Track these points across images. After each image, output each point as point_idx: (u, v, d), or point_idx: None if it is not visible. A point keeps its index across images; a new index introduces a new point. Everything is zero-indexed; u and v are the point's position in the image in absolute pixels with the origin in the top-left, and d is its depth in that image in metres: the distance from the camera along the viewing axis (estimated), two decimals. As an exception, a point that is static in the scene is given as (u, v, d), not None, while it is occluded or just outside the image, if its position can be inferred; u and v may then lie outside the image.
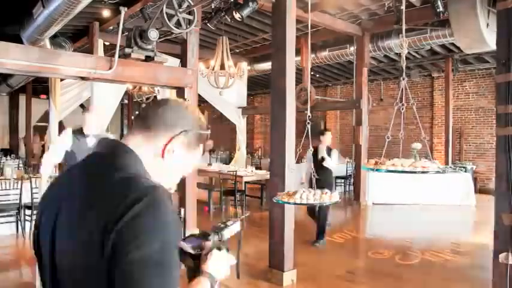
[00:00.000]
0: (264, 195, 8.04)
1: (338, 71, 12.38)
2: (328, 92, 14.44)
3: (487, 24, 5.30)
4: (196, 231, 1.10)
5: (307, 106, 3.68)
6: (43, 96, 13.16)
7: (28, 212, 5.87)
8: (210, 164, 9.18)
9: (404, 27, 3.68)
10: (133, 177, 0.90)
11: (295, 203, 3.14)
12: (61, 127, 11.59)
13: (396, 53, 9.12)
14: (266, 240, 4.39)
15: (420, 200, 8.33)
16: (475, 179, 9.60)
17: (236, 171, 7.67)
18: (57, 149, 3.65)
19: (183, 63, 5.93)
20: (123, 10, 5.15)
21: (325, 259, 5.13)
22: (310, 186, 3.60)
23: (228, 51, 7.43)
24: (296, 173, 4.61)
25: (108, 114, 9.03)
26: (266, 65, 10.72)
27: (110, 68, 4.94)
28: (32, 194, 5.80)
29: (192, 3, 4.76)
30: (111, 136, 4.34)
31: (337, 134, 14.05)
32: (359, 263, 4.92)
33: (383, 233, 6.71)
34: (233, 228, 1.16)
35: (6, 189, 5.96)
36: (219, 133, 16.82)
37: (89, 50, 7.79)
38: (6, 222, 5.86)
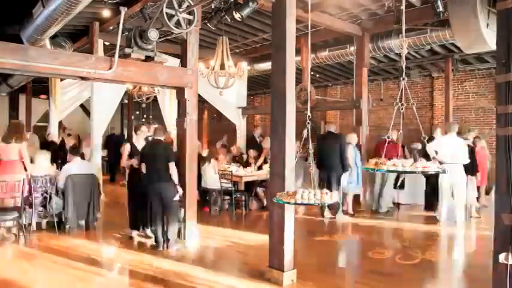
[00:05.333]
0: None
1: (338, 71, 12.37)
2: (328, 92, 14.44)
3: (487, 24, 5.29)
4: None
5: (307, 106, 3.67)
6: (43, 96, 13.15)
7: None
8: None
9: (404, 27, 3.69)
10: None
11: (295, 203, 3.14)
12: (60, 125, 11.63)
13: (396, 53, 9.11)
14: (266, 240, 4.39)
15: (420, 200, 8.31)
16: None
17: (236, 171, 7.69)
18: None
19: (183, 63, 5.94)
20: (123, 10, 5.16)
21: (325, 259, 5.13)
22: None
23: (228, 51, 7.42)
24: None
25: (108, 114, 9.02)
26: (266, 65, 10.71)
27: (110, 68, 4.94)
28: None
29: (192, 3, 4.76)
30: None
31: (337, 134, 14.03)
32: (359, 263, 4.92)
33: (383, 233, 6.71)
34: None
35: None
36: (218, 133, 16.82)
37: (89, 50, 7.77)
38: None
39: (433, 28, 7.63)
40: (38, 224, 6.18)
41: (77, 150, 6.77)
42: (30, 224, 5.87)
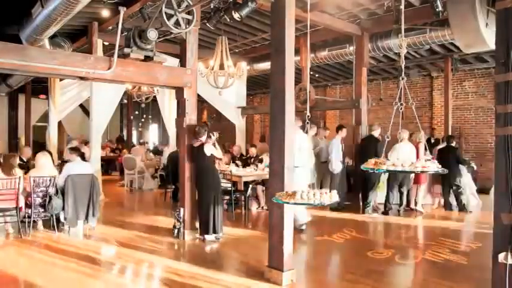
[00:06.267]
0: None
1: (337, 70, 12.37)
2: (328, 92, 14.44)
3: (486, 24, 5.30)
4: None
5: (306, 106, 3.67)
6: (42, 96, 13.14)
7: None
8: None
9: (403, 26, 3.69)
10: None
11: (295, 203, 3.13)
12: (60, 128, 11.62)
13: (395, 53, 9.10)
14: (266, 240, 4.39)
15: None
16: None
17: (236, 170, 7.67)
18: None
19: (182, 63, 5.94)
20: (122, 10, 5.16)
21: (325, 259, 5.13)
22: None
23: (228, 51, 7.41)
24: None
25: (107, 114, 9.03)
26: (265, 65, 10.71)
27: (109, 68, 4.94)
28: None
29: (191, 3, 4.75)
30: None
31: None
32: (359, 263, 4.92)
33: (383, 233, 6.71)
34: None
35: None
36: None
37: (88, 50, 7.77)
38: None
39: (433, 28, 7.63)
40: (38, 224, 6.18)
41: (76, 149, 6.75)
42: (29, 224, 5.87)
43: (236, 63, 7.49)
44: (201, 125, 6.06)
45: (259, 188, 8.07)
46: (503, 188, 2.83)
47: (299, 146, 5.71)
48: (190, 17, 4.84)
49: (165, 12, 4.56)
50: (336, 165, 7.82)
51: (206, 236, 5.71)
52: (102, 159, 10.26)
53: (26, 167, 7.37)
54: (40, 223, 6.21)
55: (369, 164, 2.92)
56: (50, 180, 5.98)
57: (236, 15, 5.39)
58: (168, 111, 10.92)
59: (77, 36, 8.34)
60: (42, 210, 5.96)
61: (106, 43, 8.14)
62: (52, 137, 10.35)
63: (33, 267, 4.68)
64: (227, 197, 7.68)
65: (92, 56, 5.26)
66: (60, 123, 11.51)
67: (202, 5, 5.77)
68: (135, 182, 10.99)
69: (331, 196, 3.10)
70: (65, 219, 6.01)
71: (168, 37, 5.37)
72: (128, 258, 5.02)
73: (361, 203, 7.97)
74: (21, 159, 8.02)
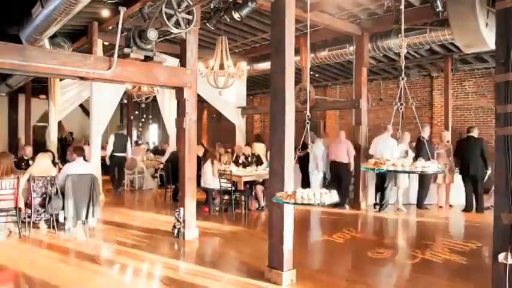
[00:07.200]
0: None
1: (337, 70, 12.36)
2: (328, 92, 14.43)
3: (486, 24, 5.30)
4: None
5: (306, 106, 3.67)
6: (42, 96, 13.13)
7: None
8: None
9: (403, 26, 3.69)
10: None
11: (294, 203, 3.13)
12: (60, 128, 11.63)
13: (395, 53, 9.10)
14: (266, 240, 4.39)
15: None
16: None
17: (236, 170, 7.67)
18: None
19: (182, 63, 5.94)
20: (122, 10, 5.16)
21: (325, 259, 5.13)
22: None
23: (228, 51, 7.41)
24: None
25: (107, 114, 9.03)
26: (265, 65, 10.71)
27: (109, 68, 4.94)
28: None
29: (191, 3, 4.76)
30: None
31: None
32: (359, 263, 4.92)
33: (383, 233, 6.71)
34: None
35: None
36: (218, 133, 16.83)
37: (88, 50, 7.77)
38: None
39: (433, 28, 7.62)
40: (38, 224, 6.18)
41: (82, 150, 6.69)
42: (29, 224, 5.86)
43: (236, 63, 7.49)
44: None
45: (259, 188, 8.07)
46: (503, 188, 2.83)
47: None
48: (190, 17, 4.84)
49: (165, 12, 4.57)
50: None
51: None
52: (102, 159, 10.25)
53: (27, 165, 7.38)
54: (40, 223, 6.20)
55: (369, 164, 2.93)
56: (50, 180, 5.98)
57: (236, 15, 5.39)
58: (168, 111, 10.91)
59: (77, 36, 8.34)
60: (43, 210, 5.96)
61: (106, 43, 8.14)
62: (52, 137, 10.35)
63: (34, 266, 4.67)
64: (227, 197, 7.70)
65: (92, 56, 5.26)
66: (60, 123, 11.51)
67: (202, 5, 5.78)
68: (135, 182, 10.99)
69: (332, 196, 3.10)
70: (65, 219, 6.02)
71: (168, 37, 5.38)
72: (128, 258, 5.02)
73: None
74: (20, 158, 8.02)
